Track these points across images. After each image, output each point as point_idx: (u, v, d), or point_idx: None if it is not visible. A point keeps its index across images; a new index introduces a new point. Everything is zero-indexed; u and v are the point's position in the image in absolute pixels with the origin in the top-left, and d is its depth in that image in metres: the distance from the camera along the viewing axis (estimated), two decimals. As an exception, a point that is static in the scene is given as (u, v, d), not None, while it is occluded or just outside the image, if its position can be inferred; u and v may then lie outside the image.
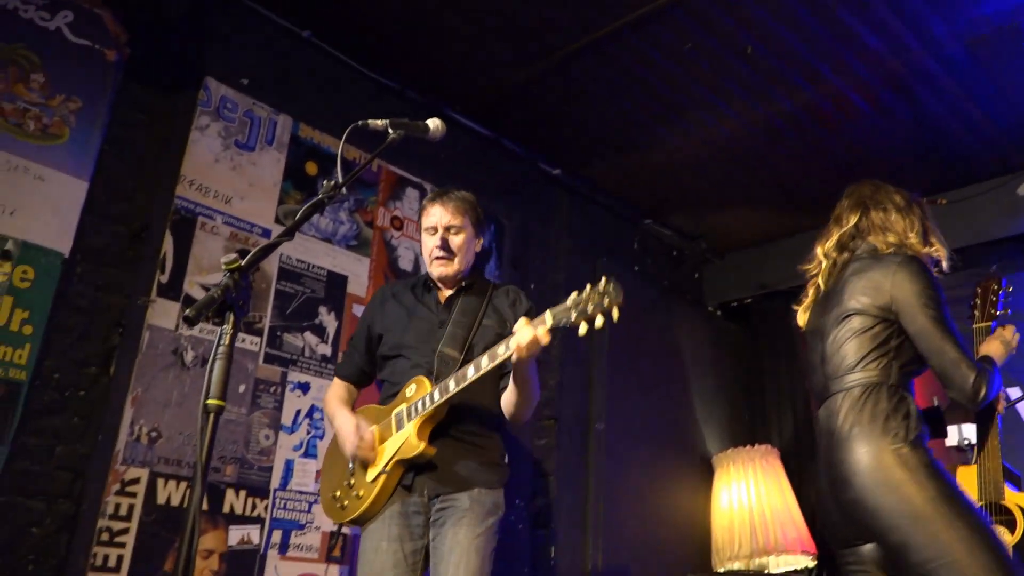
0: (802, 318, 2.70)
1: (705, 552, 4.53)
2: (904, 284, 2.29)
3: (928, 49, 3.58)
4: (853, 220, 2.59)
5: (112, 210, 2.96)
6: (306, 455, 3.27)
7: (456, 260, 2.57)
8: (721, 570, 4.32)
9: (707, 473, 4.77)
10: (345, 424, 2.49)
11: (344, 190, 1.88)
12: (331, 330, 3.46)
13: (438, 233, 2.57)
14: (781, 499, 4.38)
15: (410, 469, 2.38)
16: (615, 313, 2.06)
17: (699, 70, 3.82)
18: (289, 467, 3.20)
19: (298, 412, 3.28)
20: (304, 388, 3.31)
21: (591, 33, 3.60)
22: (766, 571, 4.24)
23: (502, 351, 2.22)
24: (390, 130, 2.06)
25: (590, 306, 2.06)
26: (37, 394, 2.66)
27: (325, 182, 1.89)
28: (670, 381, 4.84)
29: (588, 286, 2.11)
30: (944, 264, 2.53)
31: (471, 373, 2.26)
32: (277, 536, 3.10)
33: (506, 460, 2.54)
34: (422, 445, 2.32)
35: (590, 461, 4.22)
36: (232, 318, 1.47)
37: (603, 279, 2.09)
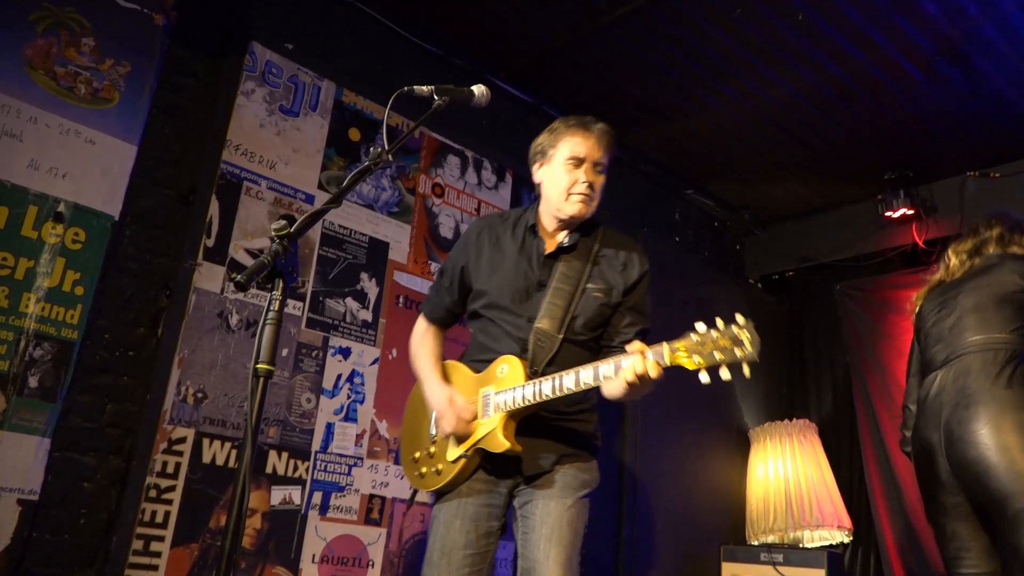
0: (918, 303, 3.10)
1: (740, 525, 4.53)
2: None
3: (987, 14, 3.46)
4: (990, 233, 2.99)
5: (160, 174, 3.01)
6: (346, 419, 3.32)
7: (594, 203, 2.30)
8: (755, 543, 4.32)
9: (744, 446, 4.76)
10: (439, 394, 2.29)
11: (390, 157, 1.86)
12: (372, 296, 3.49)
13: (584, 166, 2.27)
14: (818, 473, 4.35)
15: (490, 457, 2.21)
16: (746, 370, 1.82)
17: (748, 36, 3.74)
18: (330, 430, 3.26)
19: (339, 376, 3.32)
20: (345, 353, 3.36)
21: (629, 4, 3.54)
22: (801, 544, 4.23)
23: (606, 371, 2.01)
24: (435, 96, 2.01)
25: (717, 354, 1.82)
26: (89, 353, 2.73)
27: (372, 149, 1.86)
28: (709, 353, 4.82)
29: (719, 324, 1.86)
30: None
31: (571, 385, 2.05)
32: (318, 497, 3.16)
33: (599, 431, 2.34)
34: (508, 443, 2.13)
35: (627, 431, 4.23)
36: (281, 284, 1.48)
37: (741, 320, 1.83)
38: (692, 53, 3.88)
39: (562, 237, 2.32)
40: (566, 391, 2.06)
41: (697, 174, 5.02)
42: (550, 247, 2.31)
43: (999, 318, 2.69)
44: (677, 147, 4.72)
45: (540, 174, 2.38)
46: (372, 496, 3.30)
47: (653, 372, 1.92)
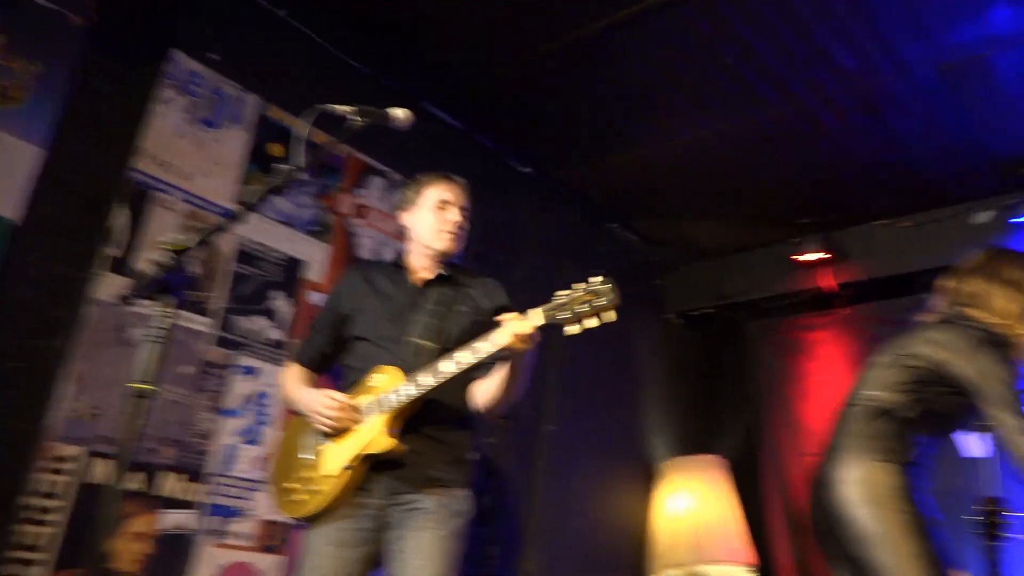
0: None
1: (643, 558, 4.54)
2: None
3: (899, 72, 3.62)
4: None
5: (69, 180, 2.89)
6: (250, 441, 3.23)
7: (460, 242, 2.52)
8: (660, 577, 4.35)
9: (653, 480, 4.79)
10: (312, 395, 2.35)
11: (306, 175, 1.84)
12: (285, 315, 3.42)
13: (453, 208, 2.50)
14: (725, 510, 4.41)
15: (372, 467, 2.25)
16: (610, 316, 2.01)
17: (677, 77, 3.83)
18: (230, 452, 3.16)
19: (245, 397, 3.24)
20: (253, 372, 3.27)
21: (571, 33, 3.59)
22: (705, 580, 4.28)
23: (482, 345, 2.15)
24: (352, 116, 2.03)
25: (582, 306, 2.01)
26: (-24, 363, 2.59)
27: (282, 166, 1.84)
28: (624, 387, 4.86)
29: (581, 284, 2.04)
30: None
31: (451, 368, 2.17)
32: (213, 522, 3.05)
33: (475, 456, 2.42)
34: (393, 442, 2.20)
35: (538, 462, 4.22)
36: (169, 300, 1.43)
37: (599, 277, 2.02)
38: (622, 91, 3.96)
39: (431, 271, 2.51)
40: (447, 374, 2.18)
41: (622, 209, 5.09)
42: (421, 280, 2.50)
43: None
44: (603, 182, 4.78)
45: (409, 219, 2.57)
46: (271, 522, 3.21)
47: (527, 328, 2.08)
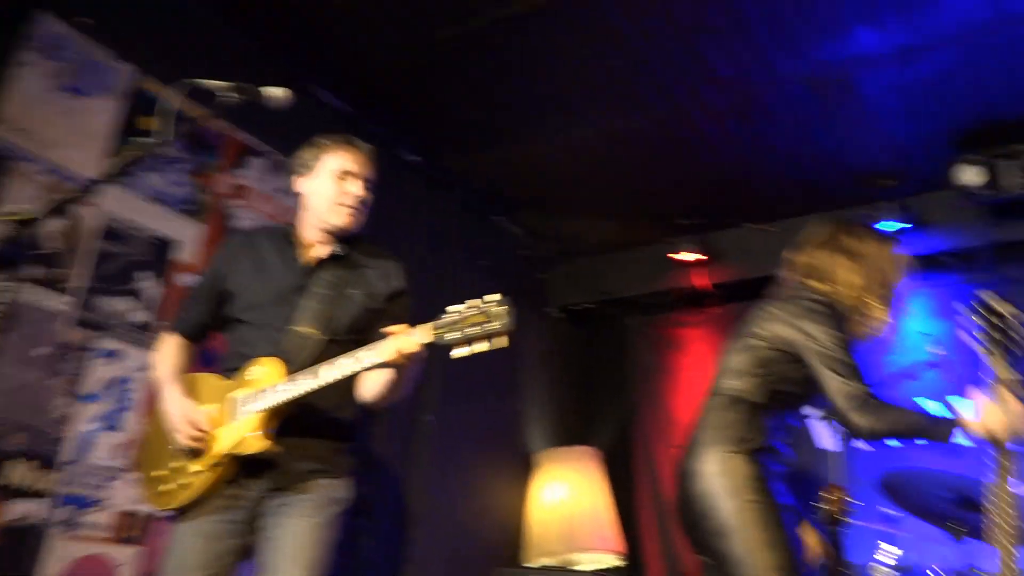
0: None
1: (518, 547, 4.61)
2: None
3: (771, 82, 3.79)
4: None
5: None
6: (109, 428, 3.08)
7: (360, 217, 2.33)
8: (531, 565, 4.42)
9: (530, 470, 4.86)
10: (174, 406, 2.20)
11: (174, 150, 1.76)
12: (153, 297, 3.28)
13: (354, 179, 2.30)
14: (596, 500, 4.53)
15: (244, 464, 2.12)
16: (502, 342, 1.91)
17: (566, 77, 3.89)
18: (88, 439, 3.01)
19: (105, 381, 3.08)
20: (116, 356, 3.12)
21: (467, 23, 3.58)
22: (575, 567, 4.38)
23: (366, 355, 2.02)
24: (225, 92, 1.94)
25: (473, 328, 1.91)
26: None
27: (146, 139, 1.75)
28: (504, 378, 4.90)
29: (476, 302, 1.93)
30: None
31: (334, 374, 2.04)
32: (65, 513, 2.90)
33: (355, 444, 2.30)
34: (267, 443, 2.07)
35: (416, 452, 4.21)
36: (11, 273, 1.35)
37: (496, 297, 1.92)
38: (511, 87, 3.99)
39: (325, 247, 2.32)
40: (327, 381, 2.04)
41: (509, 203, 5.12)
42: (312, 257, 2.31)
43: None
44: (492, 174, 4.80)
45: (304, 185, 2.36)
46: (130, 512, 3.07)
47: (413, 346, 1.97)
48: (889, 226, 4.25)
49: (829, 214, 4.72)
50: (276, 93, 2.05)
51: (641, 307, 5.44)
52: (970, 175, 3.93)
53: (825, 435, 3.75)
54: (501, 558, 4.56)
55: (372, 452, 3.99)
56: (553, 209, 5.16)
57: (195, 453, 2.16)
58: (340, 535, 2.18)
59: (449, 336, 1.94)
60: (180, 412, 2.18)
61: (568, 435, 5.10)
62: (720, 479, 2.28)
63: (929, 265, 4.22)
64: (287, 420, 2.12)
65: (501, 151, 4.56)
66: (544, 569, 4.22)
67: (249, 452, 2.09)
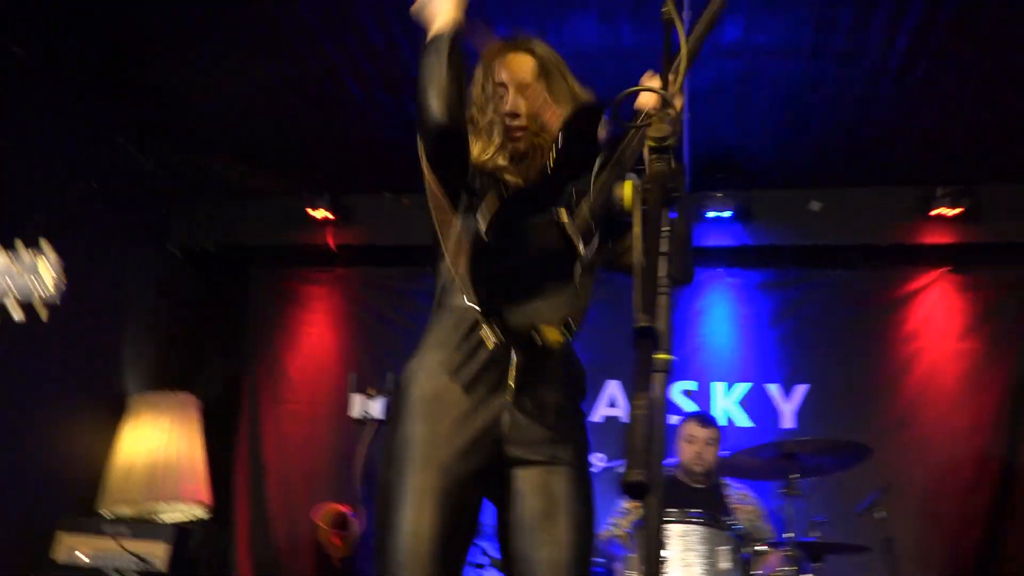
0: None
1: (96, 497, 4.26)
2: None
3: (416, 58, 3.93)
4: None
5: None
6: None
7: None
8: (106, 513, 4.11)
9: (122, 414, 4.51)
10: None
11: None
12: None
13: None
14: (189, 450, 4.36)
15: None
16: (42, 313, 1.63)
17: (218, 12, 3.72)
18: None
19: None
20: None
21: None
22: (156, 518, 4.17)
23: None
24: None
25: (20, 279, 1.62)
26: None
27: None
28: (104, 314, 4.48)
29: (20, 249, 1.66)
30: None
31: None
32: None
33: None
34: None
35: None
36: None
37: (47, 246, 1.62)
38: (168, 10, 3.76)
39: None
40: None
41: (142, 123, 4.64)
42: None
43: None
44: (121, 92, 4.35)
45: None
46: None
47: None
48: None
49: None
50: None
51: (267, 258, 5.32)
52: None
53: (358, 404, 4.05)
54: (78, 507, 4.16)
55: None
56: (190, 146, 4.83)
57: None
58: None
59: None
60: None
61: (170, 380, 4.79)
62: None
63: None
64: None
65: (138, 72, 4.19)
66: (119, 519, 3.94)
67: None
